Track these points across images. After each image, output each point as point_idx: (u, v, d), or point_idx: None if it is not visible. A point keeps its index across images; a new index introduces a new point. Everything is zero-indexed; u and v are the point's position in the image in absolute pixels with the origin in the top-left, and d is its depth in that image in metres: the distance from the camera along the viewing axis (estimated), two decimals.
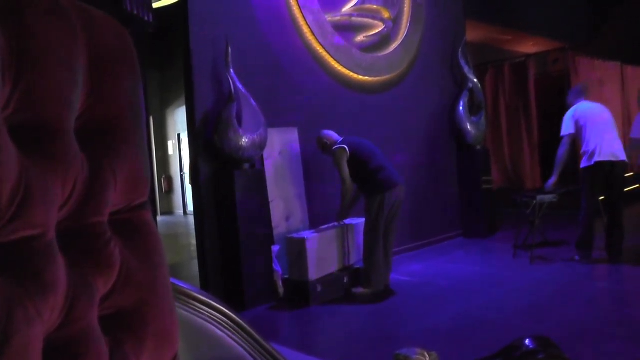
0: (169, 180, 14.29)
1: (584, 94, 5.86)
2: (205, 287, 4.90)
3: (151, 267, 0.89)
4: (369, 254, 4.95)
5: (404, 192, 5.00)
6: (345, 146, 4.97)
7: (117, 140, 0.85)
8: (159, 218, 13.05)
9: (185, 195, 13.93)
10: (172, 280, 1.11)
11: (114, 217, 0.86)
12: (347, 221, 5.37)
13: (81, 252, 0.79)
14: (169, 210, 14.25)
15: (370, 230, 4.93)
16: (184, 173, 13.81)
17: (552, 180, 5.85)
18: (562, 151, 5.69)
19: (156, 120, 13.86)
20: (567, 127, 5.69)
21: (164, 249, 0.94)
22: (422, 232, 7.15)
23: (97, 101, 0.82)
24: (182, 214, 13.93)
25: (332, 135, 5.28)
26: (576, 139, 5.72)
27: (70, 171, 0.75)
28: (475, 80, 7.73)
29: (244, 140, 4.82)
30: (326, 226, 5.35)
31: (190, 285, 1.15)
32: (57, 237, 0.74)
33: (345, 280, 5.18)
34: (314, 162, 5.78)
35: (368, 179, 4.95)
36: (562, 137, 5.70)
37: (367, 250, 4.96)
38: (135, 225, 0.90)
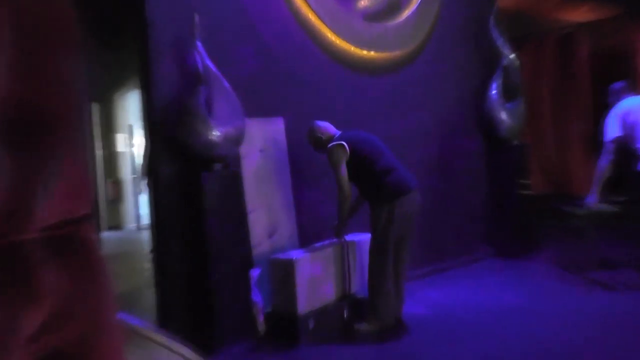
0: (118, 186, 14.27)
1: (626, 91, 5.95)
2: (163, 323, 4.89)
3: (94, 297, 0.89)
4: (375, 279, 4.95)
5: (419, 201, 5.02)
6: (345, 142, 5.00)
7: (50, 135, 0.84)
8: (104, 234, 13.04)
9: (138, 205, 13.92)
10: (120, 314, 1.11)
11: (46, 233, 0.85)
12: (347, 237, 5.39)
13: (1, 279, 0.78)
14: (117, 224, 14.23)
15: (377, 250, 4.94)
16: (137, 176, 13.80)
17: (592, 198, 5.92)
18: (605, 162, 5.77)
19: (101, 109, 13.87)
20: (611, 130, 5.76)
21: (110, 274, 0.95)
22: (443, 251, 7.18)
23: (23, 86, 0.81)
24: (135, 229, 13.92)
25: (327, 128, 5.30)
26: (626, 141, 5.78)
27: None
28: (512, 56, 7.77)
29: (216, 134, 4.83)
30: (321, 244, 5.37)
31: (143, 321, 1.15)
32: None
33: (345, 313, 5.19)
34: (305, 161, 5.80)
35: (373, 183, 4.96)
36: (605, 144, 5.76)
37: (373, 275, 4.96)
38: (75, 244, 0.89)
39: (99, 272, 0.92)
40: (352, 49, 6.40)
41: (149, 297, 6.13)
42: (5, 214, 0.78)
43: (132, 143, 13.87)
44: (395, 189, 4.90)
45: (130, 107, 13.48)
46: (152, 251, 7.85)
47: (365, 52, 6.52)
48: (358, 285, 5.42)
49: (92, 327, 0.88)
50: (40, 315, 0.81)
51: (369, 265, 5.00)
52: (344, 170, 4.94)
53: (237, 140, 5.01)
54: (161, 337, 1.15)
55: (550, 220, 7.98)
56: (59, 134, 0.85)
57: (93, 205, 0.94)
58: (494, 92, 7.62)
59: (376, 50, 6.61)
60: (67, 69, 0.88)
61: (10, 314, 0.77)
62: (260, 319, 5.07)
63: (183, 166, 4.99)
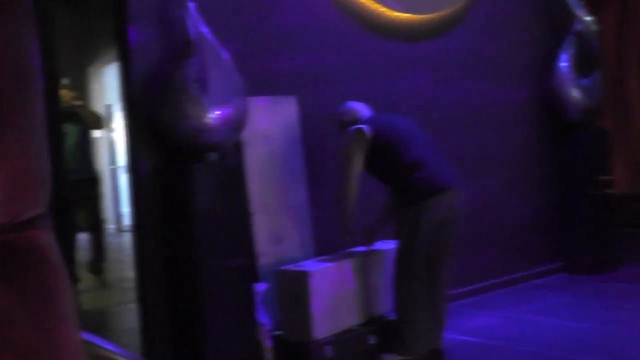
0: None
1: None
2: (146, 349, 4.98)
3: (47, 319, 0.88)
4: (400, 302, 5.01)
5: (460, 204, 5.06)
6: (366, 127, 5.06)
7: None
8: (79, 237, 13.07)
9: (119, 202, 14.01)
10: (89, 338, 1.18)
11: None
12: (376, 246, 5.45)
13: None
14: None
15: (402, 265, 4.98)
16: (116, 167, 13.90)
17: None
18: None
19: (74, 86, 13.97)
20: None
21: (70, 289, 0.94)
22: (496, 265, 7.21)
23: None
24: (115, 231, 13.99)
25: (357, 109, 5.37)
26: None
27: None
28: (588, 19, 7.75)
29: (210, 116, 4.84)
30: (341, 254, 5.43)
31: (119, 348, 1.21)
32: None
33: (371, 340, 5.25)
34: (323, 151, 5.88)
35: (398, 179, 5.02)
36: None
37: (398, 297, 5.02)
38: (23, 252, 0.88)
39: (50, 287, 0.90)
40: (382, 9, 6.44)
41: (130, 316, 6.25)
42: None
43: (111, 127, 13.96)
44: (424, 188, 4.90)
45: (107, 84, 13.58)
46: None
47: (398, 13, 6.56)
48: (388, 305, 5.43)
49: (40, 354, 0.86)
50: None
51: (394, 284, 5.05)
52: (356, 161, 5.01)
53: (237, 124, 5.02)
54: None
55: (637, 227, 7.97)
56: (0, 118, 0.85)
57: (48, 205, 0.93)
58: (563, 64, 7.61)
59: (410, 12, 6.65)
60: (9, 40, 0.87)
61: None
62: (267, 344, 5.11)
63: (169, 156, 5.04)
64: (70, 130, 7.84)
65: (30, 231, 0.90)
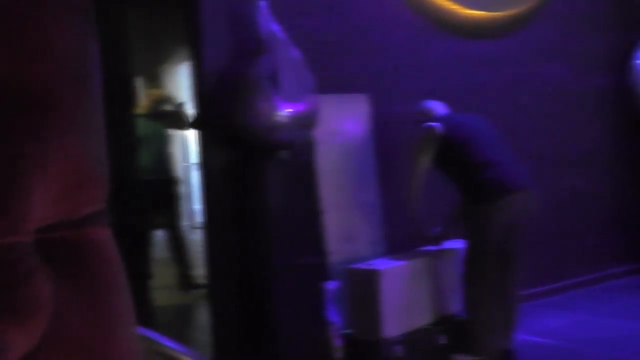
0: None
1: None
2: (217, 347, 5.03)
3: (102, 315, 0.88)
4: (471, 300, 5.00)
5: (531, 204, 5.01)
6: (438, 125, 5.04)
7: (46, 118, 0.84)
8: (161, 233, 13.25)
9: (191, 199, 14.15)
10: (151, 335, 1.18)
11: (43, 235, 0.86)
12: (447, 245, 5.44)
13: None
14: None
15: (472, 263, 4.97)
16: (189, 164, 14.03)
17: None
18: None
19: (148, 84, 14.15)
20: None
21: (127, 286, 0.94)
22: (570, 265, 7.12)
23: (10, 58, 0.82)
24: (189, 228, 14.12)
25: (432, 107, 5.38)
26: None
27: None
28: None
29: (281, 114, 4.88)
30: (413, 252, 5.42)
31: (182, 346, 1.20)
32: None
33: (442, 340, 5.22)
34: (394, 149, 5.86)
35: (469, 178, 5.00)
36: None
37: (469, 296, 5.01)
38: (81, 249, 0.89)
39: (106, 283, 0.91)
40: (453, 7, 6.41)
41: (202, 314, 6.31)
42: None
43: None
44: (493, 188, 4.87)
45: (181, 82, 13.73)
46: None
47: (470, 11, 6.53)
48: (458, 305, 5.40)
49: (97, 355, 0.87)
50: (32, 336, 0.82)
51: (463, 285, 5.05)
52: (423, 158, 5.02)
53: (308, 122, 5.03)
54: None
55: None
56: (57, 117, 0.85)
57: (104, 200, 0.94)
58: None
59: (483, 9, 6.61)
60: (68, 36, 0.87)
61: None
62: (337, 343, 5.13)
63: (240, 154, 5.05)
64: (155, 130, 7.91)
65: (87, 228, 0.90)
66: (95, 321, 0.87)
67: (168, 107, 8.23)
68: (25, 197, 0.81)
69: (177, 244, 8.28)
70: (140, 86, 13.00)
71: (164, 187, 7.96)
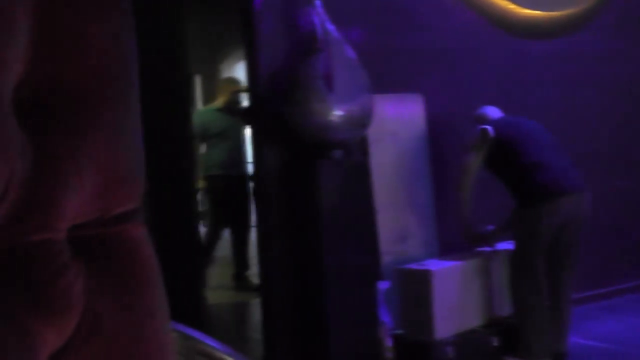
0: None
1: None
2: (269, 345, 5.06)
3: (135, 312, 0.89)
4: (519, 303, 4.97)
5: (585, 206, 4.96)
6: (490, 128, 5.03)
7: (84, 118, 0.85)
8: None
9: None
10: (190, 332, 1.19)
11: (76, 233, 0.87)
12: (500, 246, 5.41)
13: (16, 285, 0.79)
14: None
15: (519, 266, 4.95)
16: (248, 163, 14.10)
17: None
18: None
19: (206, 82, 14.26)
20: None
21: (161, 284, 0.95)
22: (628, 269, 7.03)
23: (50, 59, 0.83)
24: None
25: (488, 112, 5.38)
26: None
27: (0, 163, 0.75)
28: None
29: (336, 113, 4.88)
30: (464, 253, 5.40)
31: (221, 344, 1.21)
32: None
33: (494, 342, 5.20)
34: (449, 149, 5.84)
35: (517, 180, 4.99)
36: None
37: (516, 298, 4.99)
38: (114, 246, 0.90)
39: (140, 281, 0.91)
40: (510, 6, 6.37)
41: (255, 311, 6.35)
42: (26, 208, 0.79)
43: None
44: (544, 189, 4.85)
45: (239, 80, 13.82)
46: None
47: (527, 10, 6.48)
48: (511, 307, 5.34)
49: (130, 352, 0.88)
50: (65, 331, 0.82)
51: (510, 287, 5.04)
52: (474, 160, 5.03)
53: (362, 122, 5.03)
54: None
55: None
56: (94, 117, 0.86)
57: (139, 199, 0.95)
58: None
59: (541, 8, 6.56)
60: (106, 37, 0.88)
61: (27, 330, 0.78)
62: (388, 343, 5.12)
63: (294, 153, 5.09)
64: (230, 125, 7.93)
65: (122, 226, 0.91)
66: (127, 318, 0.88)
67: (244, 102, 8.19)
68: (59, 194, 0.81)
69: (240, 242, 8.23)
70: (198, 84, 13.12)
71: (234, 183, 7.93)
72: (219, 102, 8.12)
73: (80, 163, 0.84)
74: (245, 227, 8.15)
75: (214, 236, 8.14)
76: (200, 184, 7.91)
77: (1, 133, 0.74)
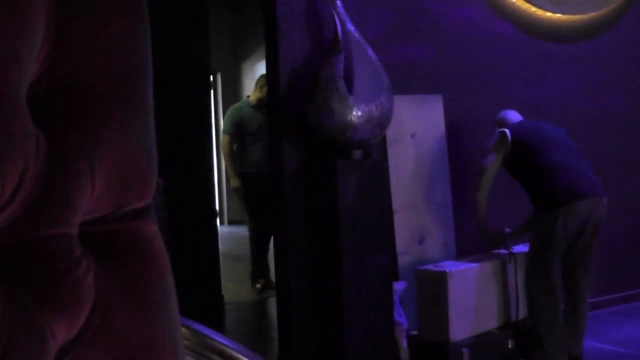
0: None
1: None
2: (284, 343, 5.07)
3: (146, 308, 0.90)
4: (534, 306, 4.96)
5: (603, 210, 4.92)
6: (508, 131, 5.03)
7: (97, 116, 0.87)
8: (224, 229, 13.42)
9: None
10: (202, 329, 1.20)
11: (89, 228, 0.88)
12: (516, 249, 5.40)
13: (28, 278, 0.80)
14: (242, 218, 14.65)
15: (533, 271, 4.94)
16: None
17: None
18: None
19: (226, 80, 14.30)
20: None
21: (172, 280, 0.96)
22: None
23: (65, 55, 0.85)
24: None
25: (508, 116, 5.37)
26: None
27: (15, 158, 0.76)
28: None
29: (355, 114, 4.88)
30: (481, 255, 5.40)
31: (232, 341, 1.21)
32: None
33: (510, 344, 5.19)
34: (469, 151, 5.85)
35: (536, 183, 4.98)
36: None
37: (532, 301, 4.98)
38: (125, 242, 0.91)
39: (151, 277, 0.92)
40: (532, 9, 6.36)
41: (271, 308, 6.37)
42: (40, 202, 0.80)
43: None
44: (562, 193, 4.83)
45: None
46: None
47: (549, 13, 6.46)
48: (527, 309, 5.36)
49: (140, 347, 0.88)
50: (75, 325, 0.83)
51: (526, 291, 5.04)
52: (494, 162, 5.05)
53: (381, 122, 5.01)
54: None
55: None
56: (108, 114, 0.88)
57: (151, 196, 0.96)
58: None
59: (564, 12, 6.53)
60: (121, 35, 0.90)
61: (38, 323, 0.79)
62: (404, 344, 5.13)
63: (313, 152, 5.11)
64: (265, 123, 7.93)
65: (134, 222, 0.92)
66: (138, 313, 0.89)
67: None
68: (72, 189, 0.83)
69: (263, 239, 8.22)
70: (218, 82, 13.17)
71: (264, 181, 7.95)
72: (253, 98, 8.14)
73: (93, 159, 0.86)
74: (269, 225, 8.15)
75: (254, 234, 8.16)
76: (234, 182, 7.94)
77: (17, 128, 0.76)
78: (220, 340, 1.17)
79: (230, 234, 12.80)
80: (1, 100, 0.74)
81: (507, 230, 5.35)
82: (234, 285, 8.08)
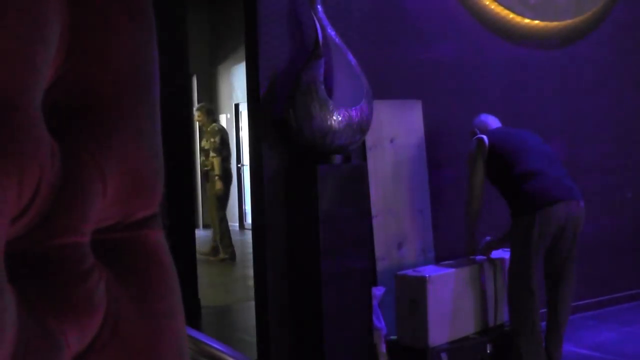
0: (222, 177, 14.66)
1: None
2: (263, 348, 5.05)
3: (155, 316, 0.90)
4: (516, 311, 4.97)
5: (579, 214, 4.94)
6: (486, 137, 5.05)
7: (109, 124, 0.88)
8: (200, 232, 13.40)
9: (243, 200, 14.22)
10: (197, 335, 1.19)
11: (100, 237, 0.88)
12: (494, 255, 5.42)
13: (42, 287, 0.80)
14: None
15: (516, 274, 4.94)
16: (242, 165, 14.11)
17: None
18: None
19: (202, 83, 14.26)
20: None
21: (179, 288, 0.96)
22: (623, 277, 7.04)
23: (78, 66, 0.85)
24: (237, 228, 14.18)
25: (486, 121, 5.38)
26: None
27: (31, 167, 0.76)
28: None
29: (336, 119, 4.88)
30: (460, 261, 5.41)
31: (226, 346, 1.21)
32: (5, 264, 0.74)
33: (488, 349, 5.20)
34: (448, 156, 5.86)
35: (512, 189, 4.99)
36: None
37: (513, 306, 4.99)
38: (134, 251, 0.91)
39: (159, 285, 0.92)
40: (510, 15, 6.38)
41: (249, 313, 6.35)
42: (53, 210, 0.80)
43: (239, 126, 14.15)
44: (536, 198, 4.84)
45: (236, 82, 13.78)
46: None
47: (528, 20, 6.49)
48: (505, 314, 5.38)
49: (149, 354, 0.88)
50: (88, 333, 0.83)
51: (508, 296, 5.05)
52: (477, 170, 5.03)
53: (361, 127, 5.01)
54: None
55: None
56: (119, 122, 0.88)
57: (160, 205, 0.96)
58: None
59: (543, 19, 6.56)
60: (132, 44, 0.90)
61: (52, 332, 0.79)
62: (383, 349, 5.12)
63: (293, 156, 5.10)
64: None
65: (142, 231, 0.92)
66: (147, 321, 0.89)
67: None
68: (85, 197, 0.83)
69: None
70: (194, 85, 13.14)
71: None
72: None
73: (104, 167, 0.85)
74: None
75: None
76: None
77: (33, 135, 0.76)
78: (217, 347, 1.17)
79: (205, 238, 12.76)
80: (18, 108, 0.74)
81: (487, 238, 5.35)
82: (210, 289, 8.05)
